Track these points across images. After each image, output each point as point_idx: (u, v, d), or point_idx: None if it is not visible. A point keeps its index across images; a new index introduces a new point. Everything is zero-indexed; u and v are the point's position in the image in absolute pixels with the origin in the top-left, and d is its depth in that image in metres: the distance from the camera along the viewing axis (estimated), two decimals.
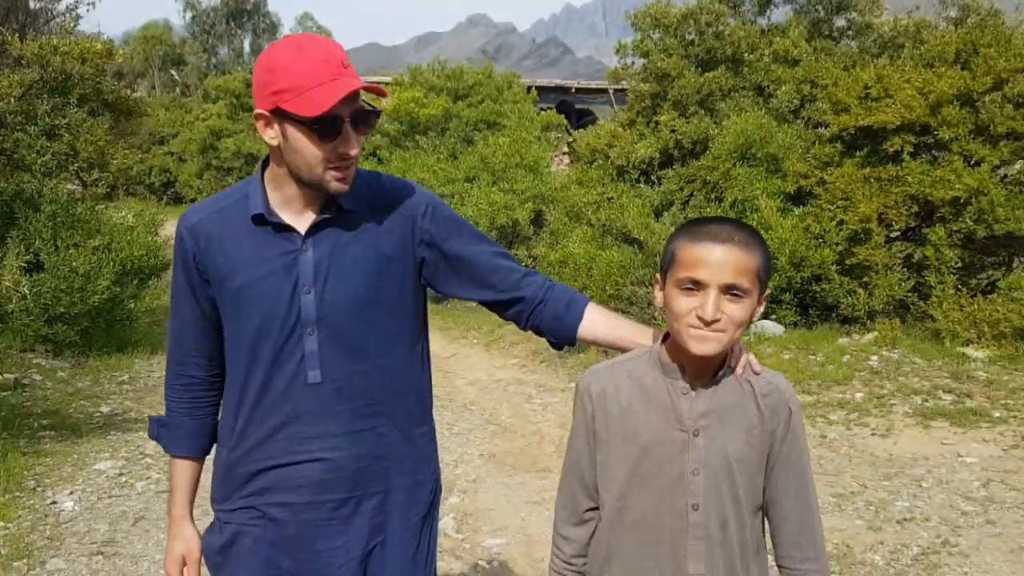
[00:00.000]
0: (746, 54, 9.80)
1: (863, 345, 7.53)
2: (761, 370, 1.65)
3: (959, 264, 7.86)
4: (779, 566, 1.64)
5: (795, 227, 8.08)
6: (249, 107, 19.88)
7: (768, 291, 1.61)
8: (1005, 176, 7.75)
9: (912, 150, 8.18)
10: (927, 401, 6.19)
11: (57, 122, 7.95)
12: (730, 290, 1.52)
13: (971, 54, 8.51)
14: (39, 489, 4.64)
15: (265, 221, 1.73)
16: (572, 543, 1.73)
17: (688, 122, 9.53)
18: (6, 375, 6.73)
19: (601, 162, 10.37)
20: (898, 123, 8.14)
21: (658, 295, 1.66)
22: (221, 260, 1.76)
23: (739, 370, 1.63)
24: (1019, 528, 4.25)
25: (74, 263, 6.57)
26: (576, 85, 30.56)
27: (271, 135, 1.68)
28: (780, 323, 8.22)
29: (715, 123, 9.28)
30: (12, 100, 7.75)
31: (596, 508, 1.70)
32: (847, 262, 8.10)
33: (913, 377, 6.70)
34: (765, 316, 8.14)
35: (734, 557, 1.60)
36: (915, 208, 8.03)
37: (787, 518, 1.62)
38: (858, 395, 6.36)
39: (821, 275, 8.07)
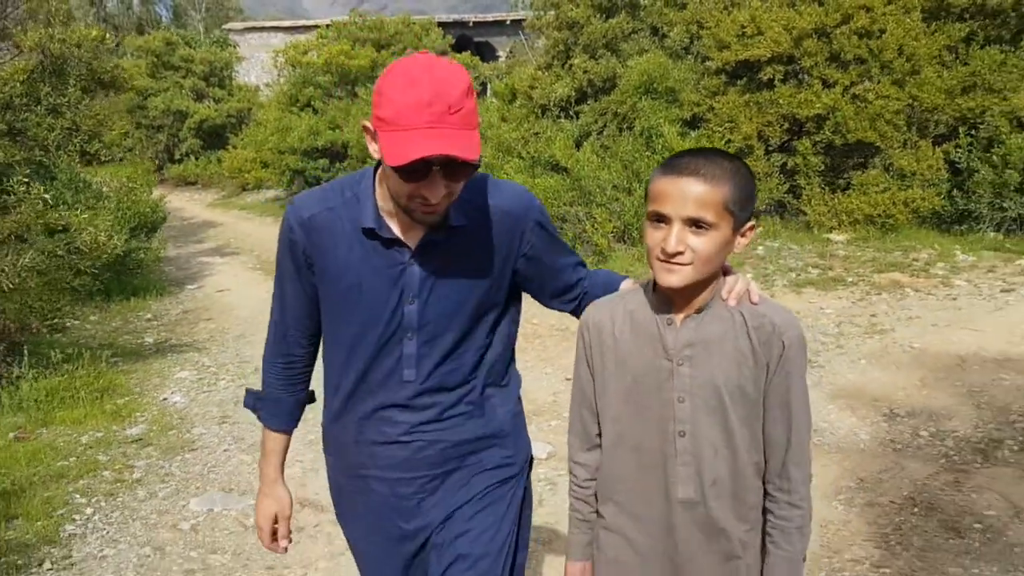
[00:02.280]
0: (642, 0, 11.43)
1: (751, 238, 9.40)
2: (760, 300, 1.63)
3: (823, 168, 9.77)
4: (765, 492, 1.65)
5: (693, 147, 9.82)
6: (172, 65, 20.51)
7: (752, 222, 1.59)
8: (854, 95, 9.61)
9: (782, 77, 9.97)
10: (800, 275, 8.09)
11: (59, 101, 9.08)
12: (694, 223, 1.51)
13: None
14: (145, 392, 6.09)
15: (376, 234, 1.76)
16: (586, 467, 1.78)
17: (597, 63, 11.15)
18: (55, 321, 8.02)
19: (524, 101, 11.92)
20: (769, 55, 9.89)
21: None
22: (329, 259, 1.80)
23: (731, 300, 1.61)
24: (858, 350, 6.13)
25: (95, 221, 7.83)
26: (473, 19, 31.52)
27: (374, 149, 1.68)
28: None
29: (620, 63, 10.91)
30: (17, 85, 8.86)
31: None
32: None
33: (790, 259, 8.61)
34: None
35: (725, 483, 1.61)
36: (786, 125, 9.86)
37: (773, 448, 1.62)
38: (748, 273, 8.23)
39: None
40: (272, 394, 2.01)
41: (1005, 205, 8.85)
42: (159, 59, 19.36)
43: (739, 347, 1.59)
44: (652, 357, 1.62)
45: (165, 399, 5.92)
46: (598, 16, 11.36)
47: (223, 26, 36.07)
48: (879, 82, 9.47)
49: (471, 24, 30.70)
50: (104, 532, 3.90)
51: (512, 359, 2.00)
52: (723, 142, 9.73)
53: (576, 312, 1.95)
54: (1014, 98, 9.03)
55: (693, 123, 10.34)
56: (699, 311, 1.61)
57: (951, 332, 6.30)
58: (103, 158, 8.43)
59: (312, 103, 15.13)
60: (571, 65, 11.27)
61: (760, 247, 8.98)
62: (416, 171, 1.58)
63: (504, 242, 1.82)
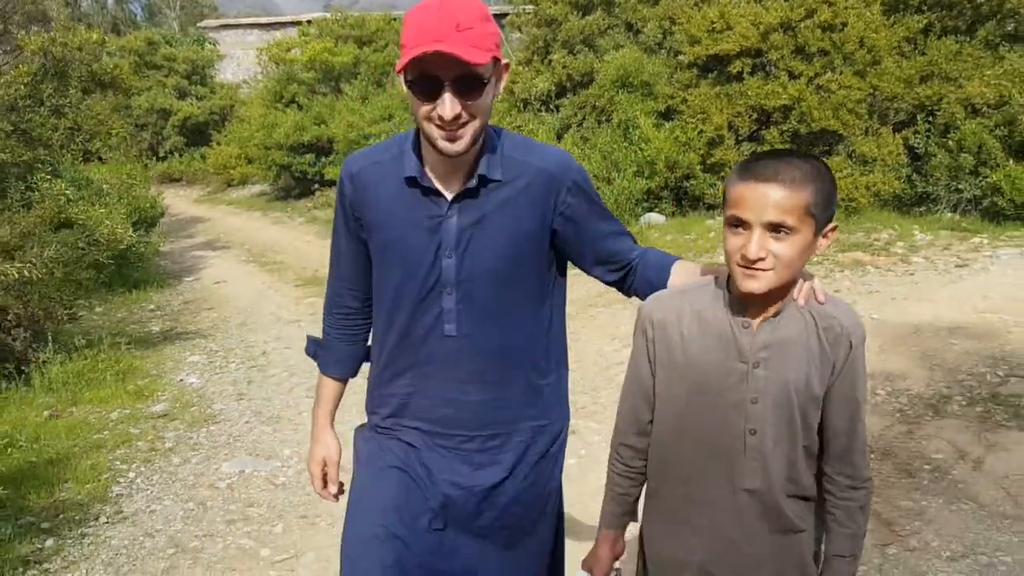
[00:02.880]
0: None
1: (723, 224, 9.92)
2: (826, 299, 1.64)
3: None
4: (823, 473, 1.69)
5: (667, 138, 10.33)
6: (155, 64, 20.77)
7: (832, 224, 1.58)
8: (819, 86, 10.14)
9: (750, 70, 10.49)
10: None
11: (61, 102, 9.43)
12: (775, 228, 1.50)
13: None
14: (162, 374, 6.51)
15: (416, 184, 1.80)
16: (634, 450, 1.81)
17: (576, 58, 11.62)
18: (67, 311, 8.41)
19: (505, 96, 12.36)
20: (738, 49, 10.42)
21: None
22: (374, 211, 1.87)
23: (801, 300, 1.62)
24: None
25: (111, 215, 8.21)
26: None
27: (405, 89, 1.71)
28: (662, 214, 10.55)
29: (597, 58, 11.40)
30: (22, 87, 9.20)
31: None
32: (708, 162, 10.43)
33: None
34: (649, 209, 10.45)
35: (783, 471, 1.66)
36: (755, 116, 10.38)
37: (835, 438, 1.66)
38: (720, 258, 8.74)
39: (689, 174, 10.38)
40: (331, 342, 2.10)
41: (960, 187, 9.43)
42: (141, 58, 19.62)
43: (810, 347, 1.61)
44: (724, 359, 1.64)
45: (181, 380, 6.34)
46: (575, 13, 11.84)
47: (198, 24, 36.18)
48: (842, 73, 10.01)
49: None
50: (148, 492, 4.34)
51: (561, 333, 2.02)
52: (696, 132, 10.24)
53: (621, 285, 1.98)
54: (968, 86, 9.60)
55: (667, 115, 10.84)
56: (775, 315, 1.62)
57: (908, 304, 6.83)
58: (103, 157, 8.78)
59: (296, 99, 15.50)
60: (550, 60, 11.74)
61: None
62: (426, 86, 1.64)
63: (541, 200, 1.82)
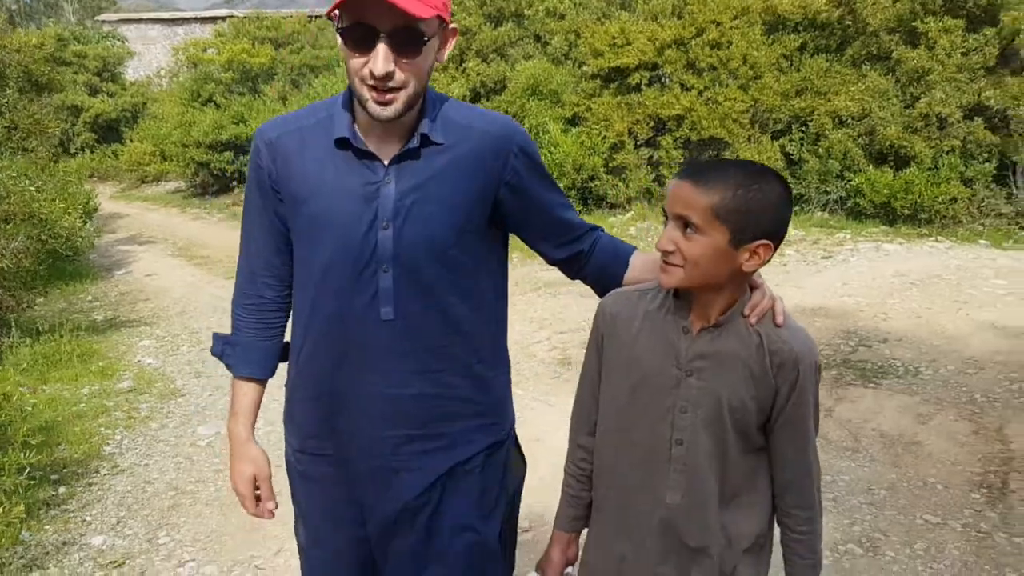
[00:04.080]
0: (526, 10, 12.83)
1: (625, 221, 10.96)
2: (784, 323, 1.59)
3: (682, 160, 11.42)
4: (775, 506, 1.67)
5: (574, 142, 11.29)
6: (65, 61, 20.61)
7: (764, 242, 1.51)
8: (708, 98, 11.27)
9: (647, 82, 11.55)
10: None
11: None
12: (683, 223, 1.50)
13: (682, 9, 11.92)
14: (120, 356, 7.08)
15: (349, 145, 1.64)
16: (585, 449, 1.78)
17: (489, 66, 12.50)
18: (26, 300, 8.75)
19: None
20: (637, 63, 11.46)
21: None
22: (298, 181, 1.68)
23: (752, 318, 1.58)
24: None
25: (44, 211, 8.65)
26: None
27: (339, 43, 1.58)
28: None
29: (509, 67, 12.29)
30: None
31: None
32: (610, 165, 11.43)
33: (657, 238, 10.16)
34: None
35: (713, 493, 1.61)
36: (652, 123, 11.44)
37: (784, 469, 1.63)
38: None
39: (594, 175, 11.37)
40: (242, 339, 1.86)
41: (829, 189, 10.68)
42: (52, 55, 19.52)
43: (750, 367, 1.56)
44: (663, 362, 1.61)
45: (139, 361, 6.93)
46: (488, 24, 12.71)
47: (96, 17, 35.55)
48: (727, 87, 11.15)
49: None
50: (137, 450, 5.00)
51: (503, 315, 1.87)
52: (599, 138, 11.24)
53: (570, 267, 1.87)
54: (836, 100, 10.84)
55: (574, 121, 11.82)
56: (717, 325, 1.59)
57: (781, 290, 7.91)
58: (39, 155, 9.11)
59: (214, 99, 15.90)
60: (465, 67, 12.58)
61: (633, 228, 10.54)
62: (359, 36, 1.50)
63: (485, 166, 1.68)
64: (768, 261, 1.54)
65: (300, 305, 1.78)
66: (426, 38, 1.54)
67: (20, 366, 6.38)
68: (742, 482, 1.65)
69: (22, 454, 3.91)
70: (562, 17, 12.63)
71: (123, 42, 23.54)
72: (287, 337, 1.91)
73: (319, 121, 1.70)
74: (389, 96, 1.55)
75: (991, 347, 6.06)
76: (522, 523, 3.87)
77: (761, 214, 1.50)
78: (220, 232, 13.72)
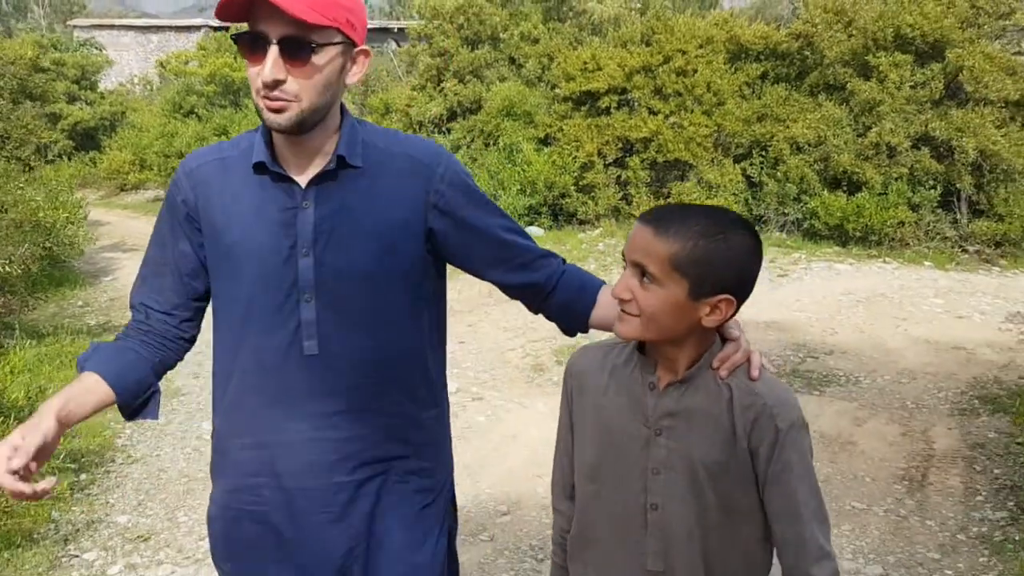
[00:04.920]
0: (501, 34, 13.41)
1: (594, 237, 11.53)
2: (759, 376, 1.48)
3: (649, 180, 11.99)
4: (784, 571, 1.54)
5: (546, 162, 11.85)
6: (42, 68, 20.83)
7: (725, 297, 1.42)
8: (674, 122, 11.90)
9: (616, 105, 12.14)
10: None
11: None
12: (640, 271, 1.42)
13: (650, 37, 12.54)
14: None
15: (265, 170, 1.60)
16: (566, 515, 1.70)
17: (465, 87, 13.05)
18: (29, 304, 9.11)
19: (400, 116, 13.68)
20: (606, 87, 12.03)
21: None
22: (217, 212, 1.63)
23: (723, 372, 1.48)
24: None
25: (48, 220, 9.06)
26: None
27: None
28: (540, 227, 12.07)
29: (485, 88, 12.86)
30: None
31: None
32: (580, 183, 11.99)
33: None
34: (530, 223, 11.96)
35: (699, 560, 1.51)
36: (620, 145, 12.02)
37: (782, 546, 1.51)
38: (592, 265, 10.32)
39: (565, 193, 11.93)
40: (106, 348, 1.70)
41: (786, 211, 11.33)
42: (31, 62, 19.78)
43: (721, 424, 1.47)
44: (631, 421, 1.52)
45: None
46: (465, 47, 13.27)
47: (68, 22, 35.64)
48: (692, 112, 11.76)
49: None
50: (147, 443, 5.45)
51: (440, 352, 1.78)
52: (571, 158, 11.81)
53: (530, 297, 1.78)
54: (794, 127, 11.47)
55: (546, 141, 12.39)
56: (683, 380, 1.49)
57: None
58: (32, 163, 9.43)
59: (195, 111, 16.31)
60: (443, 88, 13.13)
61: (601, 243, 11.12)
62: (251, 44, 1.49)
63: (410, 191, 1.62)
64: (731, 317, 1.47)
65: (221, 349, 1.71)
66: (314, 46, 1.50)
67: (28, 368, 6.78)
68: (729, 548, 1.53)
69: None
70: (536, 41, 13.23)
71: (100, 50, 23.80)
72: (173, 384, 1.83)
73: (241, 151, 1.67)
74: (280, 104, 1.52)
75: (924, 360, 6.69)
76: (499, 507, 4.40)
77: (724, 267, 1.42)
78: None
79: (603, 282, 1.80)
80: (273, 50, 1.48)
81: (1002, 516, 4.24)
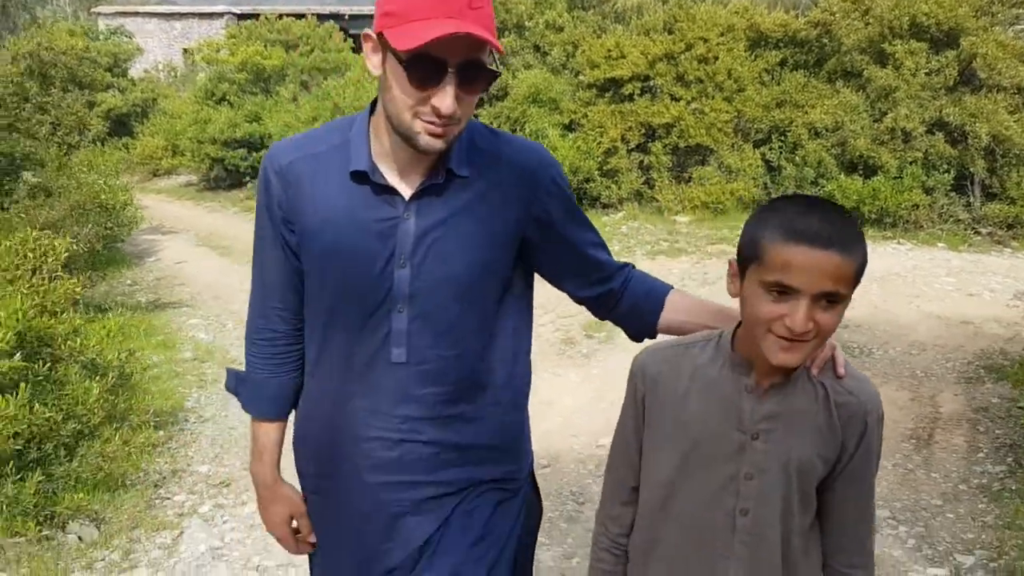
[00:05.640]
0: (527, 23, 13.80)
1: (617, 220, 11.94)
2: (845, 372, 1.48)
3: (671, 165, 12.40)
4: (825, 564, 1.55)
5: (571, 147, 12.24)
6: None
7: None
8: (695, 108, 12.27)
9: (639, 92, 12.51)
10: (653, 247, 10.63)
11: (44, 100, 10.67)
12: (825, 297, 1.33)
13: (673, 25, 12.90)
14: (176, 332, 7.99)
15: (366, 179, 1.55)
16: (619, 522, 1.65)
17: None
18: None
19: None
20: (630, 74, 12.41)
21: (731, 283, 1.48)
22: (310, 213, 1.59)
23: (815, 370, 1.47)
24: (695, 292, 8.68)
25: (109, 202, 9.50)
26: (350, 12, 32.59)
27: (375, 63, 1.49)
28: None
29: (511, 75, 13.26)
30: (11, 85, 10.41)
31: None
32: (604, 168, 12.39)
33: (646, 235, 11.15)
34: None
35: (778, 563, 1.50)
36: (643, 130, 12.40)
37: (842, 526, 1.52)
38: (616, 247, 10.71)
39: (589, 178, 12.33)
40: (255, 376, 1.78)
41: (804, 194, 11.68)
42: (79, 53, 20.30)
43: (818, 423, 1.46)
44: (722, 425, 1.48)
45: (193, 336, 7.85)
46: None
47: (92, 9, 36.12)
48: (713, 98, 12.12)
49: (347, 17, 31.91)
50: (214, 405, 5.93)
51: (526, 358, 1.77)
52: (595, 143, 12.22)
53: (598, 306, 1.77)
54: (812, 112, 11.82)
55: (571, 127, 12.79)
56: (783, 383, 1.47)
57: None
58: (81, 148, 9.91)
59: (227, 98, 16.77)
60: None
61: (624, 226, 11.54)
62: (428, 71, 1.41)
63: (514, 201, 1.59)
64: None
65: (310, 339, 1.71)
66: (487, 68, 1.47)
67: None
68: (802, 546, 1.53)
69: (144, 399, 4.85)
70: (561, 30, 13.61)
71: (130, 38, 24.33)
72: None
73: (333, 147, 1.60)
74: (446, 130, 1.46)
75: (934, 333, 7.10)
76: (540, 461, 4.85)
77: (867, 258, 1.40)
78: (238, 224, 14.57)
79: (670, 287, 1.78)
80: (451, 79, 1.42)
81: (1001, 470, 4.66)
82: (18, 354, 4.04)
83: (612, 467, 1.68)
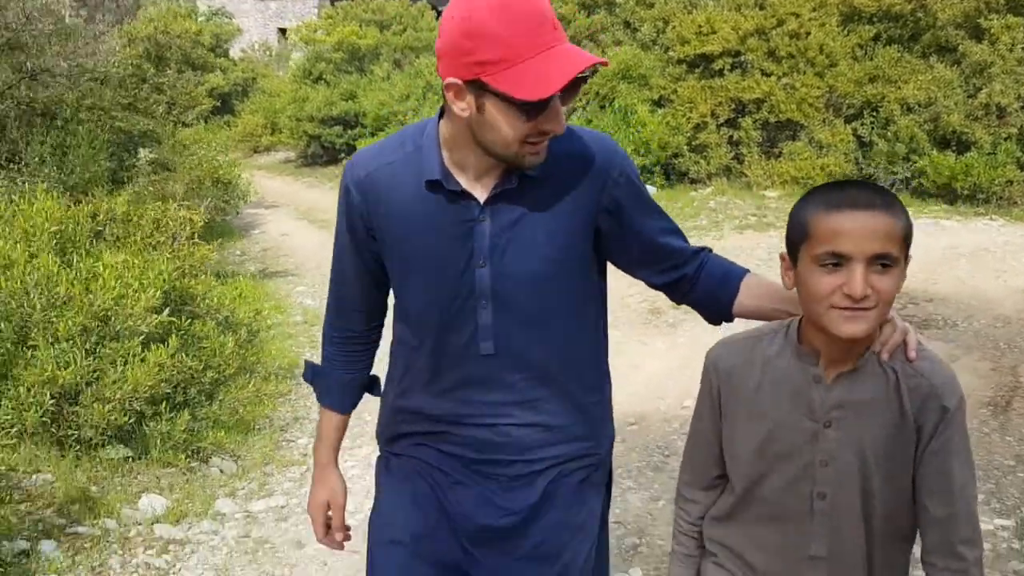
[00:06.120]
0: None
1: (705, 195, 12.10)
2: (917, 356, 1.45)
3: (760, 140, 12.48)
4: (923, 561, 1.52)
5: (660, 123, 12.43)
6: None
7: (909, 257, 1.41)
8: (786, 84, 12.32)
9: (730, 68, 12.61)
10: (742, 222, 10.78)
11: (161, 81, 11.35)
12: (878, 260, 1.35)
13: (764, 0, 12.94)
14: (285, 298, 8.55)
15: (441, 187, 1.61)
16: (699, 506, 1.70)
17: None
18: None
19: None
20: (720, 50, 12.51)
21: (785, 275, 1.51)
22: (391, 221, 1.67)
23: (885, 354, 1.45)
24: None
25: (227, 177, 10.12)
26: None
27: (462, 107, 1.50)
28: (653, 186, 12.71)
29: (601, 52, 13.49)
30: (130, 67, 11.10)
31: (724, 475, 1.65)
32: (693, 143, 12.55)
33: (735, 210, 11.30)
34: (644, 182, 12.59)
35: (858, 542, 1.51)
36: (733, 106, 12.51)
37: (933, 525, 1.48)
38: (703, 221, 10.92)
39: (678, 153, 12.51)
40: (329, 369, 1.93)
41: (895, 169, 11.66)
42: (194, 36, 21.29)
43: (891, 409, 1.45)
44: (793, 415, 1.50)
45: (301, 302, 8.40)
46: (582, 12, 13.93)
47: None
48: (804, 73, 12.14)
49: None
50: None
51: (605, 343, 1.85)
52: (684, 119, 12.38)
53: (673, 291, 1.79)
54: (905, 88, 11.74)
55: (660, 103, 12.97)
56: (853, 369, 1.46)
57: None
58: (191, 126, 10.59)
59: (324, 77, 17.44)
60: None
61: (712, 201, 11.70)
62: (543, 105, 1.45)
63: (584, 194, 1.64)
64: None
65: (401, 337, 1.80)
66: (587, 79, 1.54)
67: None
68: (891, 532, 1.53)
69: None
70: (651, 6, 13.76)
71: (231, 19, 25.28)
72: (378, 368, 1.96)
73: (407, 156, 1.66)
74: (543, 147, 1.55)
75: (1019, 307, 7.15)
76: (628, 419, 5.18)
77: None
78: (334, 199, 14.60)
79: (747, 270, 1.79)
80: (556, 99, 1.47)
81: None
82: (166, 310, 4.56)
83: (690, 454, 1.73)
